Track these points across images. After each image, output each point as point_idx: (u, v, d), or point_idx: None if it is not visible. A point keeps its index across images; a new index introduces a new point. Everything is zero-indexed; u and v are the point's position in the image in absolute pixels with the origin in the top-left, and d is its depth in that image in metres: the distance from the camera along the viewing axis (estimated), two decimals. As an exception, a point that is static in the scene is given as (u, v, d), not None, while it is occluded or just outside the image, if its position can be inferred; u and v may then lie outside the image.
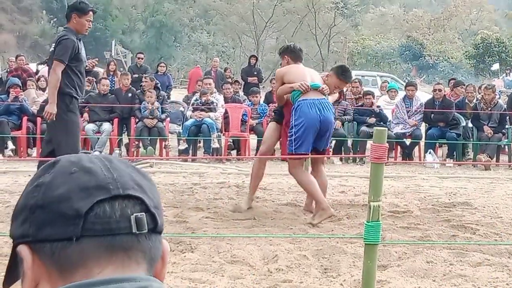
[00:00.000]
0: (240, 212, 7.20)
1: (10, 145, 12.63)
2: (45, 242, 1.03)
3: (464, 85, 15.43)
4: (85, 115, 13.12)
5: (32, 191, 1.07)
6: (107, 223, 1.03)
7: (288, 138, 7.26)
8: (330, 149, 13.52)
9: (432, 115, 13.54)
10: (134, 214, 1.05)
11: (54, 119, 7.28)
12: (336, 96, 8.26)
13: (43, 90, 14.39)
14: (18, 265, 1.07)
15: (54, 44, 7.47)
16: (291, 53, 7.75)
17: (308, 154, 7.29)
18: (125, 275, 1.03)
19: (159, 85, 14.45)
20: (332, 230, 6.93)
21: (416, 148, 13.78)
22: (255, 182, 7.94)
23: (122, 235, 1.04)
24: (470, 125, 13.59)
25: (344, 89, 14.55)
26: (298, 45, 8.09)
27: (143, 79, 14.22)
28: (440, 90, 13.71)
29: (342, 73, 7.69)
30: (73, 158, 1.10)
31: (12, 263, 1.10)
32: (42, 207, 1.03)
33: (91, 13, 7.48)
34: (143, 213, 1.06)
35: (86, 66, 7.91)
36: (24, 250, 1.04)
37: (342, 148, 13.49)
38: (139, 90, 13.99)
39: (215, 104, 13.45)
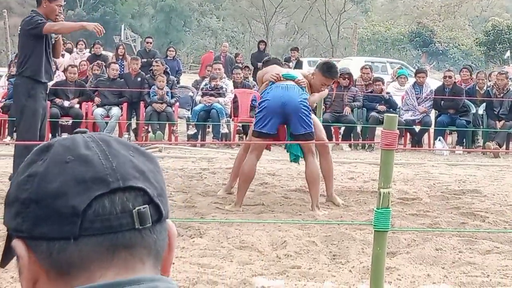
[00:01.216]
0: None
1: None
2: (41, 241, 0.95)
3: (468, 70, 15.55)
4: (96, 99, 13.15)
5: (24, 181, 0.98)
6: (107, 220, 0.94)
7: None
8: (339, 136, 13.59)
9: (442, 102, 13.49)
10: (136, 208, 0.96)
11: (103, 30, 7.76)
12: (325, 92, 8.16)
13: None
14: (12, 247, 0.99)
15: (19, 27, 7.53)
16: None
17: (269, 135, 7.16)
18: (128, 277, 0.95)
19: (168, 69, 14.44)
20: (341, 217, 6.93)
21: (426, 135, 13.74)
22: (236, 170, 7.80)
23: (124, 232, 0.95)
24: (480, 112, 13.53)
25: (354, 76, 14.53)
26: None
27: (154, 63, 14.20)
28: (450, 77, 13.65)
29: (328, 70, 7.46)
30: (68, 142, 1.00)
31: (7, 245, 1.01)
32: (36, 202, 0.95)
33: None
34: (146, 205, 0.97)
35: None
36: (19, 247, 0.97)
37: (352, 135, 13.46)
38: (148, 75, 13.99)
39: (224, 89, 13.44)
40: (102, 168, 0.96)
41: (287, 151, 7.76)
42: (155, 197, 0.99)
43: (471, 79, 15.44)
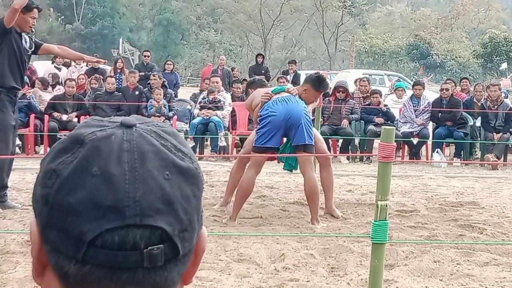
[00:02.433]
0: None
1: (17, 141, 12.66)
2: (48, 244, 0.91)
3: (468, 80, 15.60)
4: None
5: (48, 174, 0.92)
6: (113, 255, 0.88)
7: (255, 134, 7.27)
8: (337, 148, 13.60)
9: (440, 114, 13.51)
10: (149, 248, 0.89)
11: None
12: (316, 104, 8.19)
13: (53, 87, 14.43)
14: None
15: None
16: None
17: (273, 149, 7.14)
18: None
19: (166, 83, 14.47)
20: (339, 229, 6.93)
21: (424, 147, 13.75)
22: (231, 185, 7.80)
23: (131, 268, 0.89)
24: (477, 124, 13.55)
25: (352, 88, 14.57)
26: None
27: (151, 77, 14.23)
28: (447, 89, 13.69)
29: (319, 84, 7.44)
30: (103, 144, 0.91)
31: None
32: (51, 206, 0.90)
33: (35, 10, 7.42)
34: (161, 245, 0.90)
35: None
36: (34, 234, 0.94)
37: (349, 147, 13.48)
38: (146, 88, 14.02)
39: (222, 102, 13.46)
40: (123, 196, 0.89)
41: (281, 159, 7.73)
42: (175, 235, 0.91)
43: (468, 91, 15.51)
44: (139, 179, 0.90)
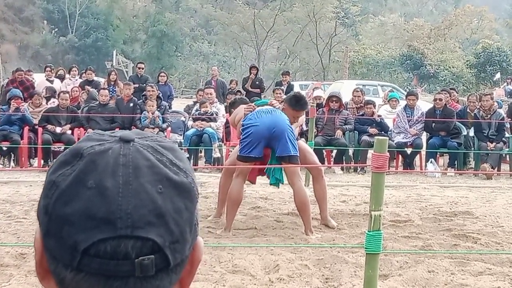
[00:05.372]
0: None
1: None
2: (48, 251, 0.95)
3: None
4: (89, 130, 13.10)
5: (50, 185, 0.96)
6: (105, 264, 0.91)
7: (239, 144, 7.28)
8: (331, 159, 13.61)
9: (433, 124, 13.54)
10: (140, 258, 0.91)
11: None
12: (301, 122, 8.20)
13: (47, 99, 14.42)
14: None
15: None
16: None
17: (256, 159, 7.14)
18: None
19: (160, 95, 14.47)
20: (334, 240, 6.93)
21: (417, 157, 13.77)
22: (222, 196, 7.83)
23: (122, 277, 0.92)
24: (471, 134, 13.58)
25: (345, 99, 14.60)
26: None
27: (148, 88, 14.22)
28: (441, 100, 13.72)
29: (296, 103, 7.43)
30: (100, 159, 0.94)
31: None
32: (50, 216, 0.94)
33: None
34: (152, 256, 0.92)
35: None
36: (37, 241, 0.98)
37: (343, 158, 13.49)
38: (141, 100, 14.02)
39: (215, 114, 13.47)
40: (116, 208, 0.91)
41: (268, 174, 7.71)
42: (166, 246, 0.94)
43: (457, 100, 15.55)
44: (132, 193, 0.93)
